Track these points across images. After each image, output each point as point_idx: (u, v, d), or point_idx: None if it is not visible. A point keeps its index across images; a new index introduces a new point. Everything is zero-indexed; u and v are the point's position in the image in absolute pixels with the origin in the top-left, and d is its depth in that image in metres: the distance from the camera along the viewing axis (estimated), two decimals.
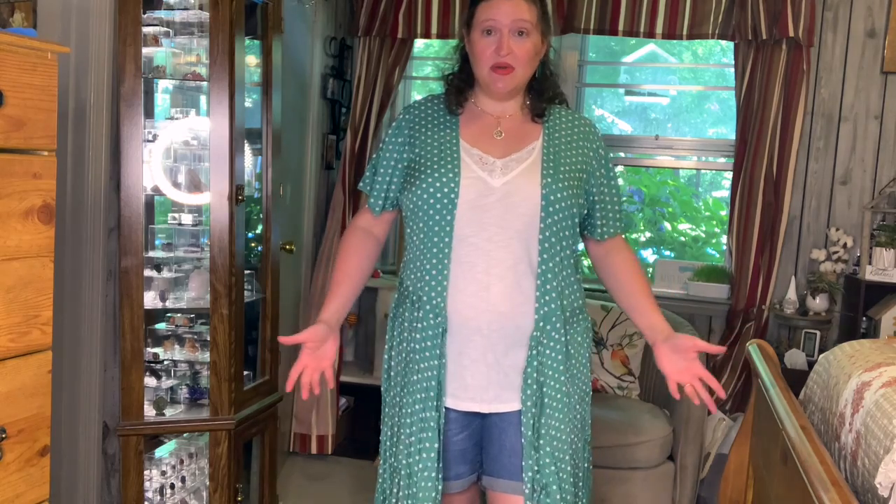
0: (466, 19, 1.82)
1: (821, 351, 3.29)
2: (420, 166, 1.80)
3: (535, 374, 1.75)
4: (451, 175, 1.75)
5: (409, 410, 1.79)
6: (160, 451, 2.58)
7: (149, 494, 2.45)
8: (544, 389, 1.76)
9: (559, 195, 1.74)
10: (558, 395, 1.77)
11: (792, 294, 3.51)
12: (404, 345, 1.83)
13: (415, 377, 1.78)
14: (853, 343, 2.20)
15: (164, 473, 2.50)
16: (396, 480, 1.82)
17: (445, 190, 1.74)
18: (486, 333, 1.75)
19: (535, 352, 1.75)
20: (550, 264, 1.76)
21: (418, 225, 1.79)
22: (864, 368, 1.87)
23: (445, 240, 1.75)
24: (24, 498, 1.48)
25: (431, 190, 1.75)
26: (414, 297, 1.80)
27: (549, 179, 1.75)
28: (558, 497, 1.74)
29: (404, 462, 1.79)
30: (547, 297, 1.76)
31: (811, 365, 2.91)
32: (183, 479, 2.56)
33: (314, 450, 3.80)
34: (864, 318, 3.26)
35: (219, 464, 2.47)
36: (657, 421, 3.15)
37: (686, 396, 1.76)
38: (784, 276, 3.57)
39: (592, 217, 1.88)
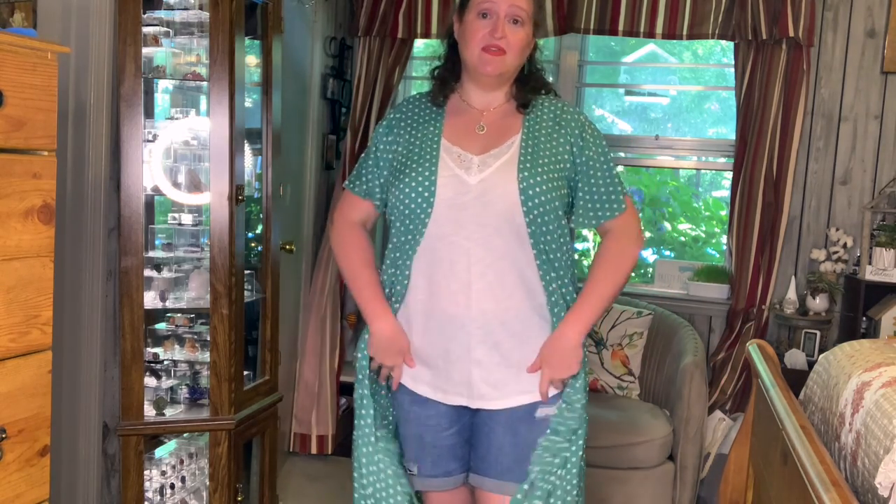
0: (461, 3, 1.83)
1: (821, 351, 3.29)
2: (401, 165, 1.82)
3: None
4: (427, 174, 1.76)
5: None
6: (160, 451, 2.58)
7: (149, 494, 2.45)
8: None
9: (537, 189, 1.73)
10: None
11: (792, 294, 3.51)
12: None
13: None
14: (853, 343, 2.20)
15: (164, 473, 2.50)
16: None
17: (420, 189, 1.76)
18: (469, 330, 1.76)
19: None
20: (544, 256, 1.76)
21: (396, 225, 1.81)
22: (864, 368, 1.87)
23: (419, 238, 1.77)
24: (24, 498, 1.48)
25: (407, 190, 1.77)
26: (388, 294, 1.85)
27: (526, 174, 1.74)
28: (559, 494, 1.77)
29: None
30: (550, 289, 1.78)
31: (811, 365, 2.91)
32: (183, 479, 2.56)
33: (314, 450, 3.80)
34: (864, 318, 3.26)
35: (219, 464, 2.47)
36: (657, 421, 3.15)
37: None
38: (784, 276, 3.57)
39: (577, 205, 1.84)
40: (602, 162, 1.84)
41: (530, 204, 1.73)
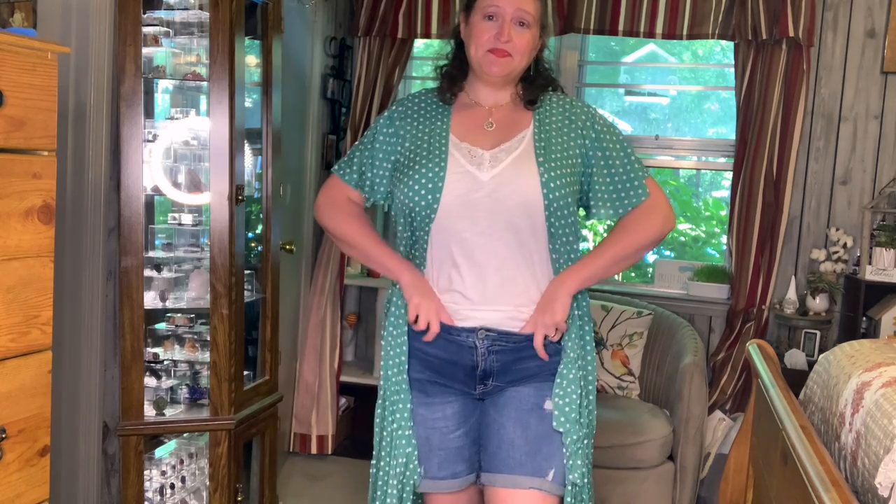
0: (466, 3, 1.82)
1: (821, 351, 3.29)
2: (409, 161, 1.80)
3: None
4: (436, 171, 1.75)
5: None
6: (160, 451, 2.58)
7: (149, 494, 2.45)
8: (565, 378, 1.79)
9: (558, 181, 1.73)
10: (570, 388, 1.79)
11: (792, 294, 3.51)
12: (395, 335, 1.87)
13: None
14: (853, 343, 2.20)
15: (164, 473, 2.50)
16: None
17: (430, 186, 1.74)
18: (481, 327, 1.77)
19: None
20: (560, 249, 1.77)
21: (406, 223, 1.80)
22: (864, 368, 1.87)
23: (430, 236, 1.76)
24: (24, 498, 1.48)
25: (417, 187, 1.75)
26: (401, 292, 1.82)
27: (546, 166, 1.74)
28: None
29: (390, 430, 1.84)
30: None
31: (811, 365, 2.91)
32: (183, 479, 2.56)
33: (314, 450, 3.80)
34: (864, 318, 3.26)
35: (219, 464, 2.47)
36: (657, 421, 3.15)
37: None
38: (784, 276, 3.57)
39: (596, 196, 1.83)
40: (619, 149, 1.83)
41: (551, 196, 1.72)
